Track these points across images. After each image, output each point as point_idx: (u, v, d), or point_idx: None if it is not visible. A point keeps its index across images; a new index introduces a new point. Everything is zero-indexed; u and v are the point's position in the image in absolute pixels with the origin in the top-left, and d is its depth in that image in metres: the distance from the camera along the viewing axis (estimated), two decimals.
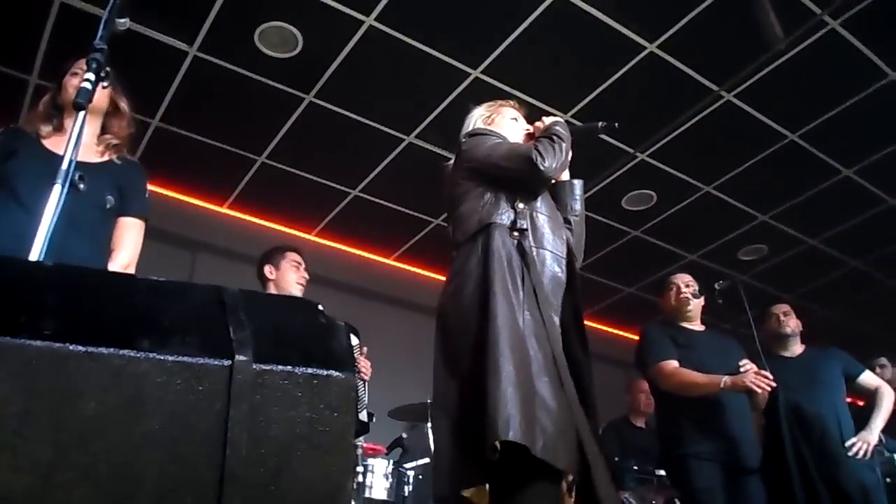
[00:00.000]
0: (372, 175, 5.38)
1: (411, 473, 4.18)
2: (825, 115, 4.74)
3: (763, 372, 3.23)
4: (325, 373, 1.01)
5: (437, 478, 2.08)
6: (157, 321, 1.00)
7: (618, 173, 5.28)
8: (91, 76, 1.78)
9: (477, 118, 2.62)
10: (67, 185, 1.68)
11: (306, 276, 3.76)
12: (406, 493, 4.10)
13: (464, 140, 2.48)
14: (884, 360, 5.10)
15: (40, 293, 0.99)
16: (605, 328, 7.56)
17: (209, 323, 1.03)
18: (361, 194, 5.60)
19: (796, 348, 4.06)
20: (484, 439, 1.84)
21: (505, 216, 2.24)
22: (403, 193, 5.58)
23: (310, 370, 1.00)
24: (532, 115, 2.67)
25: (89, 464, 0.90)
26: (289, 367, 0.99)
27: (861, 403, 4.22)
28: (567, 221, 2.48)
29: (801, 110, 4.73)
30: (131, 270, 2.51)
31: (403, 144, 5.02)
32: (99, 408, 0.90)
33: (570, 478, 2.03)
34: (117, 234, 2.52)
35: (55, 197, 1.64)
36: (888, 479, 3.93)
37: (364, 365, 3.71)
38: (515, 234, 2.21)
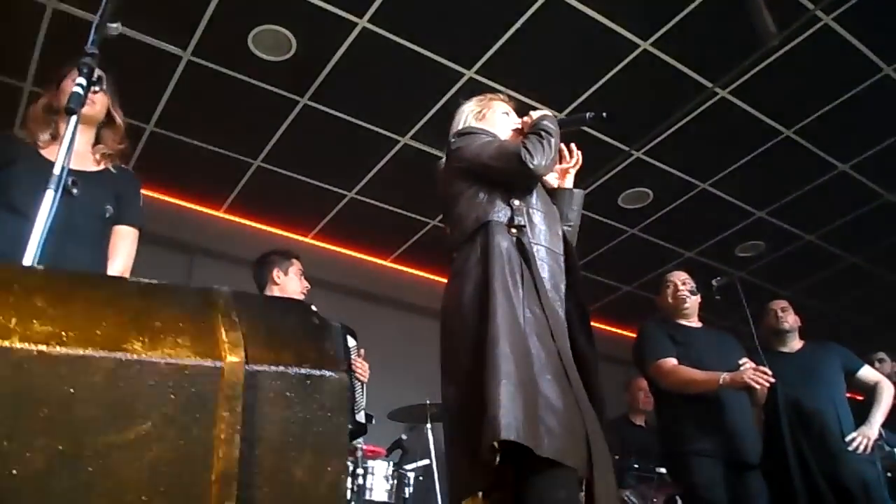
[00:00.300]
0: (368, 177, 5.38)
1: (412, 475, 4.18)
2: (820, 111, 4.74)
3: (762, 368, 3.23)
4: (318, 373, 1.00)
5: (450, 485, 2.07)
6: (148, 323, 0.99)
7: (613, 172, 5.28)
8: (83, 81, 1.78)
9: (468, 114, 2.60)
10: (60, 190, 1.68)
11: (307, 285, 3.77)
12: (406, 495, 4.10)
13: (453, 140, 2.46)
14: (882, 355, 5.10)
15: (30, 297, 0.98)
16: (603, 327, 7.55)
17: (201, 324, 1.02)
18: (358, 196, 5.60)
19: (795, 344, 4.06)
20: (482, 441, 1.80)
21: (501, 213, 2.23)
22: (399, 195, 5.58)
23: (303, 370, 0.99)
24: (522, 110, 2.63)
25: (81, 468, 0.89)
26: (281, 368, 0.98)
27: (860, 398, 4.21)
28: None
29: (796, 106, 4.74)
30: None
31: (399, 146, 5.01)
32: (91, 411, 0.90)
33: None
34: (112, 243, 2.53)
35: (48, 202, 1.64)
36: (889, 474, 3.92)
37: (362, 366, 3.71)
38: (513, 230, 2.20)
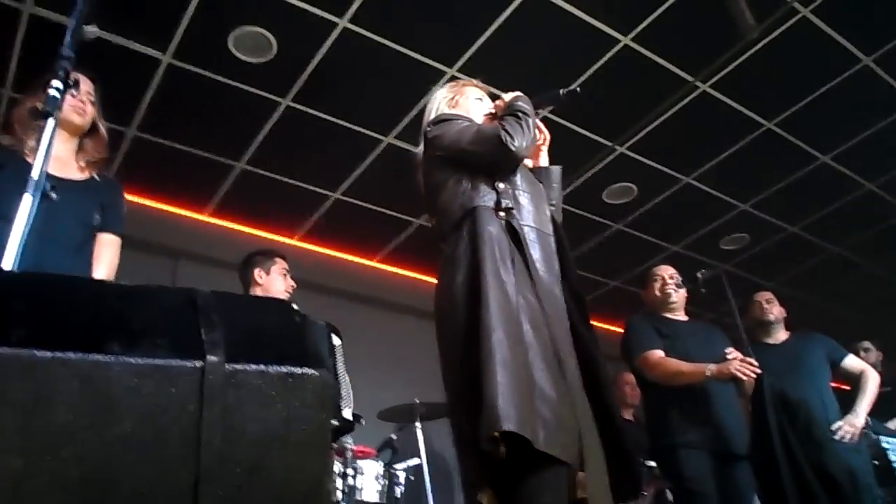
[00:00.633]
0: (352, 177, 5.36)
1: (402, 474, 4.18)
2: (801, 103, 4.77)
3: (748, 359, 3.26)
4: (299, 371, 1.00)
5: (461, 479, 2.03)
6: (127, 324, 0.98)
7: (597, 167, 5.29)
8: (59, 84, 1.77)
9: (441, 101, 2.55)
10: (39, 194, 1.66)
11: (293, 283, 3.76)
12: (398, 495, 4.09)
13: (429, 128, 2.40)
14: (867, 344, 5.15)
15: (6, 299, 0.97)
16: (596, 335, 7.55)
17: (180, 324, 1.01)
18: (342, 197, 5.58)
19: (780, 335, 4.09)
20: (480, 432, 1.76)
21: (487, 198, 2.18)
22: (384, 194, 5.57)
23: (284, 369, 0.99)
24: (495, 96, 2.60)
25: (60, 470, 0.88)
26: (262, 367, 0.98)
27: (847, 388, 4.25)
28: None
29: (777, 98, 4.77)
30: None
31: (383, 145, 5.01)
32: (69, 413, 0.89)
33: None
34: (96, 250, 2.53)
35: (26, 207, 1.62)
36: (875, 462, 3.96)
37: None
38: (501, 213, 2.15)
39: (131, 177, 4.77)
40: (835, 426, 3.71)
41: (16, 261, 1.55)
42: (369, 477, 3.95)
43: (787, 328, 4.14)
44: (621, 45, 4.22)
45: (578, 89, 2.54)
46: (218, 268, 5.31)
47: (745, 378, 3.24)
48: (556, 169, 2.57)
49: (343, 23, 3.98)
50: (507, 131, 2.18)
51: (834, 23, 4.15)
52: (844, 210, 5.95)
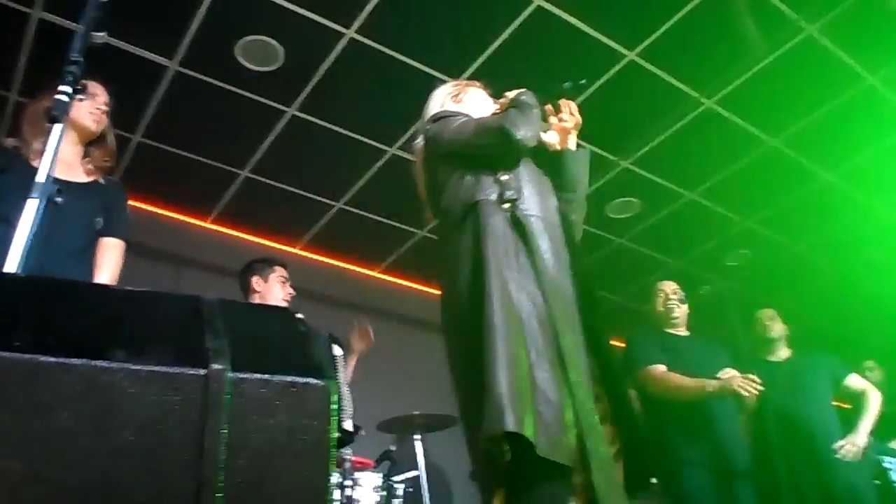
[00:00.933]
0: (356, 187, 5.37)
1: (400, 487, 4.15)
2: (805, 120, 4.78)
3: (750, 376, 3.24)
4: (303, 380, 0.99)
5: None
6: (131, 331, 0.98)
7: (601, 181, 5.29)
8: (67, 89, 1.77)
9: (444, 96, 2.52)
10: (44, 199, 1.66)
11: (292, 291, 3.75)
12: None
13: (428, 126, 2.36)
14: (871, 363, 5.13)
15: (11, 304, 0.97)
16: (608, 325, 7.54)
17: (185, 332, 1.01)
18: (346, 207, 5.58)
19: (783, 352, 4.07)
20: (483, 432, 1.73)
21: (490, 191, 2.13)
22: (388, 205, 5.57)
23: (288, 378, 0.98)
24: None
25: (62, 477, 0.88)
26: (266, 376, 0.97)
27: (848, 406, 4.23)
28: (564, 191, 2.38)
29: (782, 115, 4.77)
30: None
31: (387, 156, 5.01)
32: (72, 419, 0.89)
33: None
34: (99, 255, 2.53)
35: (31, 211, 1.62)
36: (877, 482, 3.93)
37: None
38: (506, 205, 2.10)
39: (135, 183, 4.75)
40: (837, 445, 3.69)
41: (20, 265, 1.55)
42: (367, 489, 3.92)
43: (789, 346, 4.12)
44: (627, 59, 4.23)
45: (584, 81, 2.51)
46: (221, 275, 5.31)
47: (747, 395, 3.22)
48: (585, 152, 2.51)
49: (350, 33, 4.00)
50: (510, 120, 2.14)
51: (840, 41, 4.16)
52: (848, 229, 5.94)
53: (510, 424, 1.68)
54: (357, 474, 3.91)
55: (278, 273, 3.72)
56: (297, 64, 4.22)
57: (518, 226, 2.06)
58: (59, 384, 0.89)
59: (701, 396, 3.32)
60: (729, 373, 3.31)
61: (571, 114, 2.52)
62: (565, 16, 3.93)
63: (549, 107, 2.47)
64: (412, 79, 4.28)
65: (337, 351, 3.70)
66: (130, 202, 2.76)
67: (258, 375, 0.97)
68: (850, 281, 6.74)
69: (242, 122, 4.66)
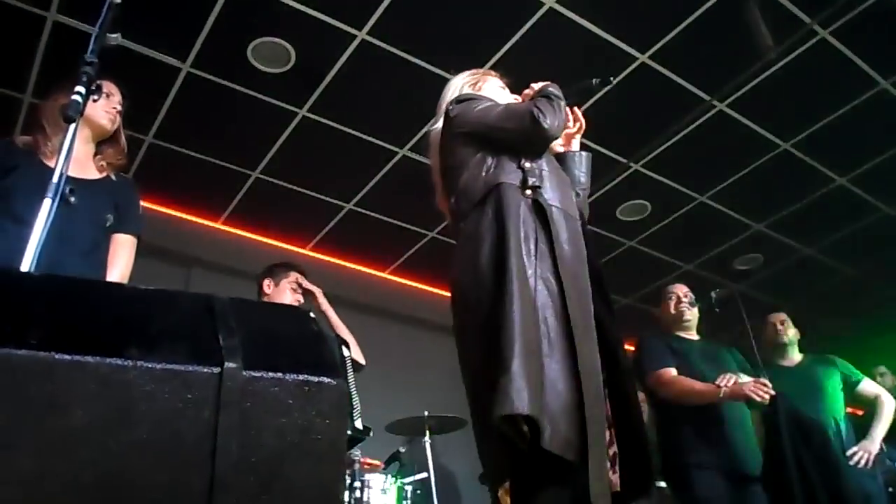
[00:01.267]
0: (366, 189, 5.38)
1: (409, 488, 4.15)
2: (818, 124, 4.76)
3: (762, 380, 3.22)
4: (316, 380, 0.99)
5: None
6: (145, 329, 0.98)
7: (612, 184, 5.28)
8: (81, 89, 1.78)
9: (461, 85, 2.51)
10: (58, 198, 1.67)
11: (300, 299, 3.76)
12: None
13: (451, 107, 2.32)
14: (883, 369, 5.10)
15: (27, 302, 0.98)
16: (615, 318, 7.52)
17: (198, 330, 1.01)
18: (356, 208, 5.59)
19: (795, 357, 4.04)
20: (494, 411, 1.68)
21: (513, 176, 2.09)
22: (398, 207, 5.58)
23: (301, 377, 0.98)
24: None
25: (76, 474, 0.88)
26: (279, 374, 0.97)
27: (860, 412, 4.20)
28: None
29: (794, 119, 4.76)
30: None
31: (397, 157, 5.02)
32: (86, 417, 0.89)
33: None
34: (111, 251, 2.54)
35: (45, 211, 1.63)
36: (890, 489, 3.90)
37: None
38: (528, 191, 2.07)
39: (147, 183, 4.78)
40: (850, 451, 3.66)
41: (33, 263, 1.56)
42: (376, 490, 3.92)
43: (802, 350, 4.09)
44: (639, 62, 4.22)
45: (612, 79, 2.48)
46: (230, 276, 5.33)
47: (758, 399, 3.20)
48: (587, 155, 2.51)
49: (361, 35, 4.00)
50: (540, 109, 2.12)
51: (853, 45, 4.14)
52: (860, 233, 5.91)
53: (524, 406, 1.65)
54: (366, 475, 3.92)
55: (291, 279, 3.73)
56: (309, 65, 4.24)
57: (540, 212, 2.03)
58: (74, 382, 0.89)
59: (712, 401, 3.30)
60: (728, 377, 3.28)
61: (577, 119, 2.53)
62: (577, 18, 3.92)
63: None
64: (423, 80, 4.28)
65: (345, 352, 3.71)
66: (142, 203, 2.77)
67: (271, 374, 0.97)
68: (863, 285, 6.70)
69: (254, 123, 4.68)
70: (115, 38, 1.94)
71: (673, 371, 3.47)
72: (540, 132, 2.12)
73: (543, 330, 1.85)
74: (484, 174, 2.14)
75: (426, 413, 4.44)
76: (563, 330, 1.87)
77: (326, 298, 3.98)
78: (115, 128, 2.60)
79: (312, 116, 4.62)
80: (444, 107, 2.42)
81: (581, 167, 2.46)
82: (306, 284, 3.82)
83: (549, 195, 2.11)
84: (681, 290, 3.81)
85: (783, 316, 4.15)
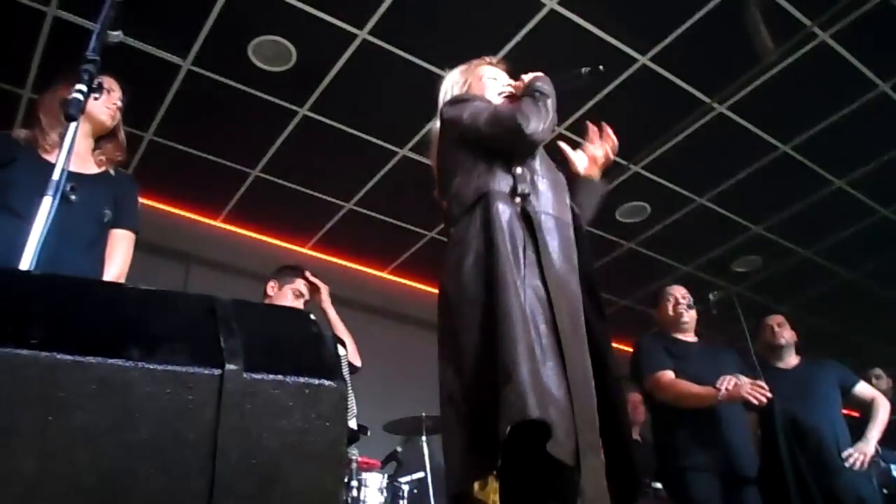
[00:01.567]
0: (366, 188, 5.38)
1: (406, 488, 4.15)
2: (817, 127, 4.76)
3: (759, 383, 3.23)
4: (316, 382, 0.99)
5: (448, 474, 1.88)
6: (146, 330, 0.99)
7: (611, 185, 5.28)
8: (82, 87, 1.78)
9: (452, 85, 2.47)
10: (59, 196, 1.67)
11: (302, 307, 3.74)
12: None
13: (444, 109, 2.32)
14: (878, 371, 5.10)
15: (28, 302, 0.98)
16: (607, 327, 7.53)
17: (199, 332, 1.01)
18: (356, 207, 5.59)
19: (791, 360, 4.05)
20: (502, 417, 1.67)
21: (503, 183, 2.09)
22: (397, 206, 5.58)
23: (301, 379, 0.99)
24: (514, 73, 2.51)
25: (76, 474, 0.88)
26: (280, 377, 0.98)
27: (856, 415, 4.21)
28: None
29: (794, 122, 4.76)
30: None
31: (398, 157, 5.02)
32: (86, 417, 0.89)
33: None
34: (109, 246, 2.54)
35: (46, 208, 1.63)
36: (885, 491, 3.91)
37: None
38: (517, 199, 2.06)
39: (147, 181, 4.77)
40: (845, 453, 3.67)
41: (33, 261, 1.56)
42: (373, 489, 3.93)
43: (798, 353, 4.10)
44: (639, 64, 4.23)
45: (602, 68, 2.44)
46: (229, 274, 5.33)
47: (755, 402, 3.20)
48: (601, 187, 2.50)
49: (363, 34, 4.01)
50: (523, 113, 2.09)
51: (853, 48, 4.14)
52: (858, 236, 5.91)
53: (534, 411, 1.64)
54: (363, 474, 3.92)
55: (295, 285, 3.70)
56: (310, 64, 4.24)
57: (527, 220, 2.03)
58: (75, 382, 0.90)
59: (711, 404, 3.30)
60: (729, 380, 3.29)
61: (604, 142, 2.52)
62: (578, 19, 3.93)
63: (591, 128, 2.51)
64: (424, 80, 4.27)
65: (341, 351, 3.71)
66: (141, 199, 2.77)
67: (272, 376, 0.98)
68: (860, 288, 6.71)
69: (254, 121, 4.68)
70: (116, 35, 1.94)
71: (671, 373, 3.47)
72: (523, 138, 2.09)
73: (535, 337, 1.83)
74: (475, 180, 2.12)
75: (423, 413, 4.44)
76: (553, 338, 1.87)
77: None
78: (115, 124, 2.60)
79: (313, 115, 4.62)
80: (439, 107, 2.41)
81: (590, 198, 2.42)
82: (313, 279, 3.82)
83: (541, 201, 2.10)
84: (679, 291, 3.81)
85: (780, 318, 4.16)
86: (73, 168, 2.31)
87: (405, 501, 4.11)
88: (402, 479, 4.19)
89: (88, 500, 0.89)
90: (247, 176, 5.24)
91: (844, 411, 3.98)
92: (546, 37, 4.01)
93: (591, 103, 4.51)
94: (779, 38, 4.00)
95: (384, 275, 6.57)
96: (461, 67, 2.55)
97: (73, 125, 1.75)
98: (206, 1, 3.80)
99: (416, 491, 4.28)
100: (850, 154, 5.05)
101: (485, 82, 2.44)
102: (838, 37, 4.06)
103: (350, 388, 3.70)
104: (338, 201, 5.54)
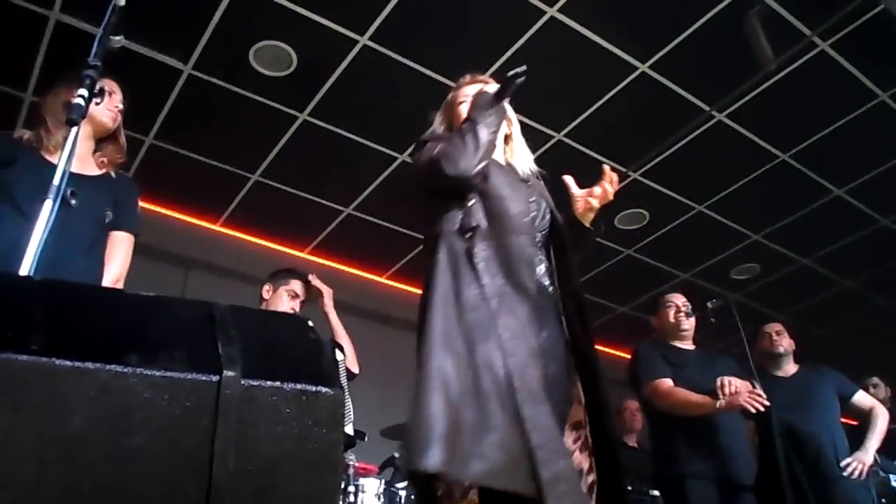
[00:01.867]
0: (365, 193, 5.38)
1: (403, 493, 4.14)
2: (816, 136, 4.78)
3: (757, 391, 3.23)
4: (313, 389, 1.00)
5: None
6: (145, 336, 0.99)
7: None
8: (84, 92, 1.78)
9: (436, 126, 2.44)
10: (59, 200, 1.68)
11: (296, 307, 3.74)
12: None
13: (412, 153, 2.33)
14: (876, 380, 5.10)
15: (28, 307, 0.98)
16: (596, 347, 7.53)
17: (198, 338, 1.02)
18: (354, 212, 5.60)
19: (789, 368, 4.05)
20: (408, 466, 1.63)
21: (453, 220, 2.04)
22: (396, 212, 5.58)
23: (298, 386, 0.99)
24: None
25: (73, 480, 0.88)
26: (277, 383, 0.98)
27: (855, 423, 4.21)
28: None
29: (793, 130, 4.77)
30: (120, 285, 2.54)
31: (397, 163, 5.03)
32: (84, 423, 0.89)
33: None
34: (108, 248, 2.54)
35: (46, 212, 1.64)
36: (883, 500, 3.91)
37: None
38: (468, 234, 2.00)
39: (146, 184, 4.77)
40: (844, 462, 3.67)
41: (33, 264, 1.56)
42: (370, 494, 3.92)
43: (797, 361, 4.10)
44: (639, 72, 4.24)
45: (525, 67, 2.24)
46: (228, 278, 5.33)
47: (753, 410, 3.20)
48: (588, 234, 2.41)
49: (363, 40, 4.02)
50: (446, 155, 2.04)
51: (852, 57, 4.16)
52: (856, 244, 5.92)
53: (433, 461, 1.53)
54: (360, 480, 3.92)
55: (290, 286, 3.71)
56: (310, 69, 4.25)
57: (471, 259, 1.97)
58: (74, 388, 0.90)
59: (709, 412, 3.30)
60: (728, 382, 3.28)
61: (604, 190, 2.38)
62: (578, 27, 3.94)
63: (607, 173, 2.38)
64: (424, 86, 4.29)
65: (338, 357, 3.71)
66: (140, 203, 2.77)
67: (269, 383, 0.98)
68: (859, 296, 6.72)
69: (254, 126, 4.69)
70: (118, 40, 1.95)
71: (669, 381, 3.48)
72: (450, 181, 2.03)
73: (476, 364, 1.78)
74: (433, 221, 2.09)
75: None
76: (500, 366, 1.80)
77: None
78: (116, 126, 2.61)
79: (313, 120, 4.63)
80: None
81: (579, 240, 2.32)
82: (317, 283, 3.83)
83: (498, 226, 2.05)
84: (679, 299, 3.82)
85: (779, 326, 4.16)
86: (74, 169, 2.30)
87: None
88: (399, 485, 4.18)
89: None
90: (246, 180, 5.25)
91: (842, 420, 3.98)
92: (546, 44, 4.02)
93: (590, 110, 4.52)
94: (778, 47, 4.00)
95: (383, 280, 6.58)
96: (444, 104, 2.48)
97: (73, 130, 1.76)
98: (207, 6, 3.81)
99: (412, 497, 4.27)
100: (849, 163, 5.06)
101: (460, 109, 2.35)
102: (838, 46, 4.07)
103: (347, 393, 3.70)
104: (337, 206, 5.55)
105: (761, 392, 3.21)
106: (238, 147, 4.93)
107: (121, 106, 2.61)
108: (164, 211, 5.54)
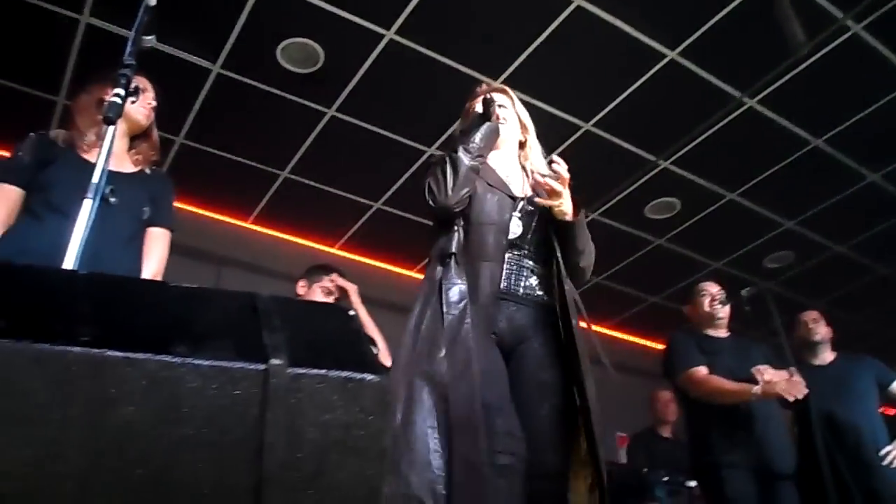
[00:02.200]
0: (394, 188, 5.40)
1: None
2: (849, 120, 4.70)
3: (795, 378, 3.19)
4: (359, 376, 1.00)
5: None
6: (191, 327, 1.00)
7: (640, 181, 5.25)
8: (121, 91, 1.81)
9: (456, 134, 2.56)
10: (99, 198, 1.71)
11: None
12: None
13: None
14: None
15: (76, 301, 1.00)
16: (628, 338, 7.51)
17: (243, 328, 1.03)
18: (384, 207, 5.62)
19: (827, 356, 4.00)
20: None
21: (440, 245, 2.20)
22: (426, 205, 5.57)
23: (344, 374, 0.99)
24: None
25: (125, 470, 0.90)
26: (323, 371, 0.98)
27: (894, 411, 4.15)
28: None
29: (825, 115, 4.70)
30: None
31: (425, 156, 5.03)
32: (135, 413, 0.90)
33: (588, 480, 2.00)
34: (146, 244, 2.58)
35: (86, 211, 1.67)
36: None
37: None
38: (446, 260, 2.14)
39: (178, 183, 4.81)
40: (884, 451, 3.62)
41: (76, 260, 1.59)
42: None
43: (834, 349, 4.05)
44: (668, 59, 4.20)
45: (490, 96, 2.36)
46: (260, 275, 5.37)
47: (791, 399, 3.17)
48: (573, 224, 2.29)
49: (390, 34, 4.02)
50: (429, 190, 2.20)
51: (886, 40, 4.08)
52: (892, 230, 5.82)
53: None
54: None
55: (324, 282, 3.73)
56: (337, 65, 4.26)
57: (439, 289, 2.10)
58: (125, 378, 0.91)
59: (745, 400, 3.27)
60: (766, 368, 3.25)
61: (553, 183, 2.23)
62: (605, 15, 3.91)
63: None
64: (451, 79, 4.29)
65: (373, 350, 3.73)
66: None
67: (315, 371, 0.98)
68: (895, 283, 6.61)
69: (283, 123, 4.72)
70: (149, 40, 1.98)
71: (704, 370, 3.45)
72: (435, 212, 2.22)
73: (417, 399, 1.93)
74: (430, 245, 2.25)
75: None
76: (434, 394, 1.94)
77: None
78: (150, 123, 2.65)
79: (341, 116, 4.65)
80: None
81: (568, 245, 2.29)
82: (341, 282, 3.84)
83: (475, 248, 2.17)
84: (713, 287, 3.79)
85: (815, 314, 4.11)
86: (111, 167, 2.34)
87: None
88: None
89: (139, 495, 0.90)
90: (276, 177, 5.28)
91: (882, 408, 3.93)
92: (573, 33, 4.00)
93: (619, 99, 4.49)
94: (810, 31, 3.94)
95: (413, 274, 6.59)
96: (465, 107, 2.57)
97: (110, 129, 1.78)
98: (234, 5, 3.84)
99: None
100: (883, 147, 4.97)
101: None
102: (871, 29, 4.00)
103: None
104: (366, 201, 5.57)
105: (800, 379, 3.18)
106: (267, 144, 4.97)
107: (154, 103, 2.65)
108: (195, 209, 5.59)
